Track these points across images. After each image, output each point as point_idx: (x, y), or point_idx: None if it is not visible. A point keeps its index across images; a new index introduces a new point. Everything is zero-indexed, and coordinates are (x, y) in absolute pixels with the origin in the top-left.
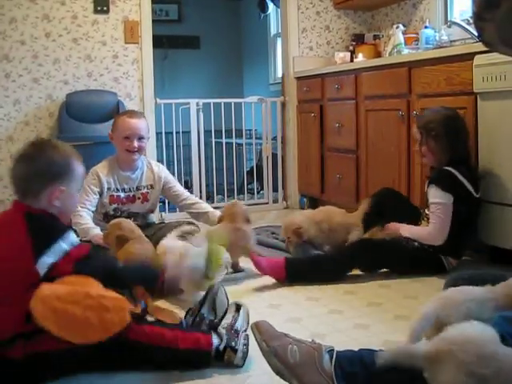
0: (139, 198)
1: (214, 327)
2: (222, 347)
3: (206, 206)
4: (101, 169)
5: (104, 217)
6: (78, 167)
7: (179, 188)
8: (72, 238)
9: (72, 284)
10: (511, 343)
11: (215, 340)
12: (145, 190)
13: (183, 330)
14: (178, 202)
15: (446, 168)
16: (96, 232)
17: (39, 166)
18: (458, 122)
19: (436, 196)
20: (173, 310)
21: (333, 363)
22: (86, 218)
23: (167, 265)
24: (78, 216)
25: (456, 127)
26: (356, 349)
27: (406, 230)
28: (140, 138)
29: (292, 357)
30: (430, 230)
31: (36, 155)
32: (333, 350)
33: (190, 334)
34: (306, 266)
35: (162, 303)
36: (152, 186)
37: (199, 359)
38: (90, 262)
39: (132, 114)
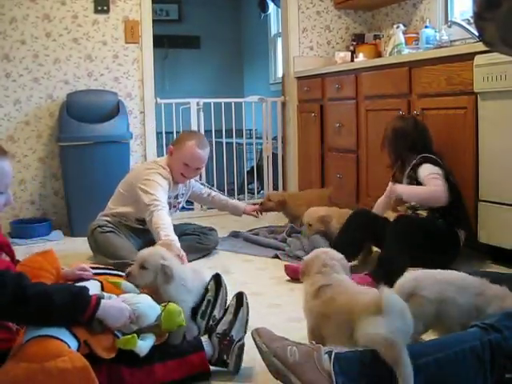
0: (174, 206)
1: (209, 332)
2: (213, 360)
3: (226, 198)
4: (167, 175)
5: (136, 220)
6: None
7: (202, 187)
8: None
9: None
10: (506, 334)
11: (207, 349)
12: (180, 199)
13: (175, 354)
14: (204, 200)
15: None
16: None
17: None
18: (404, 132)
19: (429, 169)
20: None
21: (331, 361)
22: (168, 223)
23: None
24: (162, 213)
25: (401, 138)
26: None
27: (405, 190)
28: (197, 169)
29: (291, 356)
30: (433, 188)
31: None
32: (331, 351)
33: (183, 360)
34: None
35: None
36: (184, 195)
37: (198, 379)
38: None
39: (202, 143)
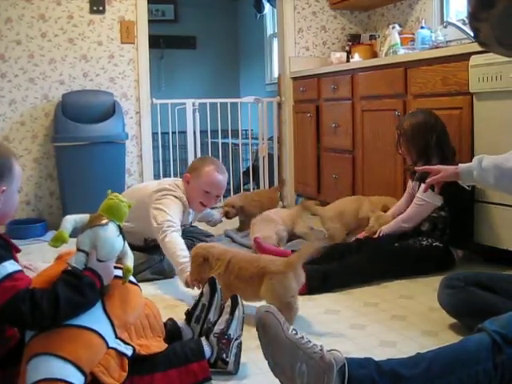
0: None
1: (206, 333)
2: (212, 360)
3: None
4: (186, 203)
5: (144, 240)
6: (17, 166)
7: (213, 213)
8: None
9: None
10: None
11: (206, 349)
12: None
13: (177, 363)
14: (205, 220)
15: None
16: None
17: None
18: (429, 126)
19: (425, 194)
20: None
21: None
22: (184, 246)
23: None
24: (175, 235)
25: (426, 131)
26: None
27: (386, 227)
28: (217, 196)
29: (299, 377)
30: (404, 216)
31: None
32: (344, 365)
33: (185, 369)
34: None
35: None
36: (188, 225)
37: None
38: (19, 305)
39: (221, 168)
